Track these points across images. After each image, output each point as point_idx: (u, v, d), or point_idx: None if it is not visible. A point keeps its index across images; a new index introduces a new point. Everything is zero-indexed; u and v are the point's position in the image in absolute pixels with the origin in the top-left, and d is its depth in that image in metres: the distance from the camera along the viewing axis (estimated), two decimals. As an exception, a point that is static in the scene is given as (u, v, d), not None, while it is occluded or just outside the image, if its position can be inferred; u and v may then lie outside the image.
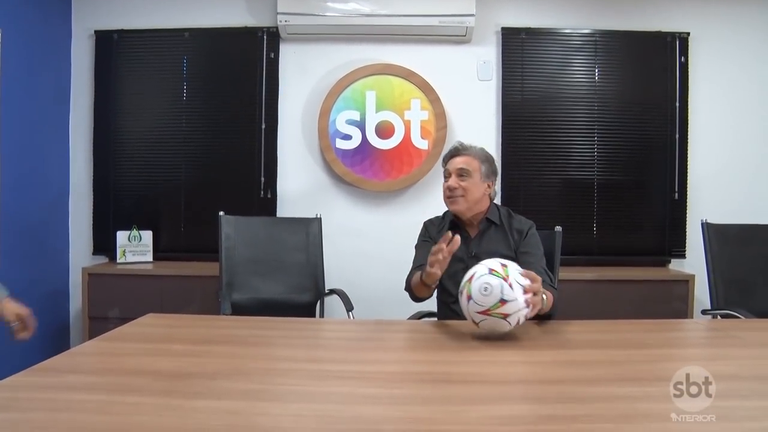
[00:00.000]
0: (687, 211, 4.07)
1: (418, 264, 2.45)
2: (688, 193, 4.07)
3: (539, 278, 1.84)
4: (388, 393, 1.38)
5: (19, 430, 1.13)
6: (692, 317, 3.56)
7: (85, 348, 1.80)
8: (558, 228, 2.58)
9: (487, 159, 2.44)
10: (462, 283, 1.86)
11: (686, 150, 4.07)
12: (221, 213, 3.19)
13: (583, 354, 1.79)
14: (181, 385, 1.41)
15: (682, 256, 4.08)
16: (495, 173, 2.46)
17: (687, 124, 4.07)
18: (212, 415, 1.21)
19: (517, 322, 1.79)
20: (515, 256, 2.32)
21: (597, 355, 1.77)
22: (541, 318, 2.06)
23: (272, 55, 4.13)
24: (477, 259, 2.07)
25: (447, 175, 2.45)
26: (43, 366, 1.53)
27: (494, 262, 1.83)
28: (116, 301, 3.68)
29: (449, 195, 2.41)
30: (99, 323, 3.53)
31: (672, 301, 3.66)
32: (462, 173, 2.38)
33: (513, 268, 1.82)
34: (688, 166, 4.07)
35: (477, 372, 1.64)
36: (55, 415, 1.20)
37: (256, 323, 2.23)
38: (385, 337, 2.04)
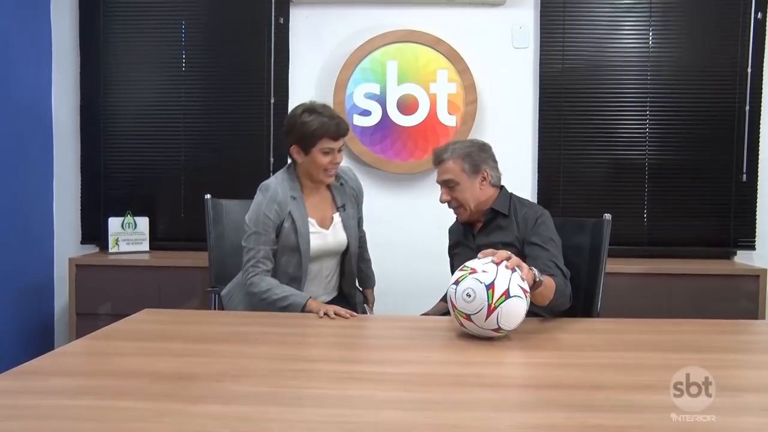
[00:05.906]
0: (757, 195, 3.96)
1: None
2: (759, 174, 3.95)
3: (492, 250, 1.91)
4: (412, 397, 1.39)
5: (1, 438, 1.15)
6: (764, 318, 3.50)
7: (72, 348, 1.83)
8: (607, 216, 2.55)
9: (467, 154, 2.46)
10: (453, 317, 1.92)
11: (758, 124, 3.93)
12: (207, 196, 3.13)
13: (632, 356, 1.78)
14: (182, 388, 1.43)
15: (751, 247, 3.98)
16: (484, 161, 2.47)
17: (761, 93, 3.93)
18: (218, 421, 1.22)
19: (524, 291, 1.82)
20: (519, 247, 2.35)
21: (648, 359, 1.75)
22: (553, 314, 2.15)
23: (281, 21, 4.11)
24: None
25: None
26: (24, 368, 1.56)
27: (455, 275, 1.91)
28: (108, 296, 3.73)
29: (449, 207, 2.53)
30: (88, 320, 3.57)
31: (739, 299, 3.59)
32: (449, 184, 2.46)
33: (471, 261, 1.91)
34: (760, 143, 3.94)
35: (510, 374, 1.64)
36: (39, 423, 1.22)
37: (263, 319, 2.24)
38: (409, 335, 2.04)
